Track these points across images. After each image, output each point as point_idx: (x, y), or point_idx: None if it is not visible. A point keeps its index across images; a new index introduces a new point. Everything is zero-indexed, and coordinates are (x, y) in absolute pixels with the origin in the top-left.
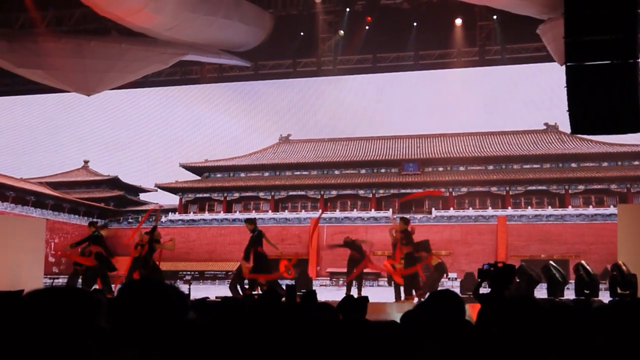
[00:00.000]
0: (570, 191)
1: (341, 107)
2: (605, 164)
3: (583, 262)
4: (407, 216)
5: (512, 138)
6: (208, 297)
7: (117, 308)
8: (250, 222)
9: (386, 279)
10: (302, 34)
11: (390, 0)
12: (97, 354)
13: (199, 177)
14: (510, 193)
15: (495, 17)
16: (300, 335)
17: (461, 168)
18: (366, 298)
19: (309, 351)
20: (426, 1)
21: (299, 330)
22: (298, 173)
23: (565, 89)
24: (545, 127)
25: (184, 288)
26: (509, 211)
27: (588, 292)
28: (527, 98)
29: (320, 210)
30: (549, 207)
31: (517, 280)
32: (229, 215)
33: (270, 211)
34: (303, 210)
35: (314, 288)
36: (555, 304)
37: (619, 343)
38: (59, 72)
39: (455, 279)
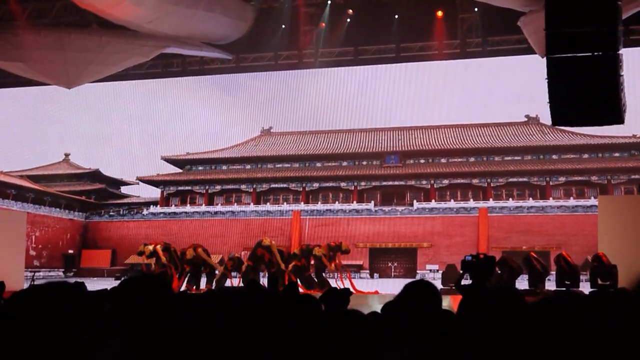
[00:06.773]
0: (551, 183)
1: (323, 100)
2: (586, 155)
3: (564, 253)
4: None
5: (494, 130)
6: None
7: (116, 295)
8: None
9: (368, 272)
10: (283, 26)
11: None
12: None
13: (180, 170)
14: (492, 185)
15: (476, 9)
16: (283, 325)
17: (442, 160)
18: (349, 290)
19: (292, 341)
20: None
21: (282, 320)
22: (280, 165)
23: (546, 81)
24: (526, 119)
25: None
26: (490, 203)
27: (569, 283)
28: (508, 90)
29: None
30: (530, 198)
31: (499, 271)
32: (211, 208)
33: (252, 204)
34: (285, 203)
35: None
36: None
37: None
38: (39, 65)
39: (437, 270)
